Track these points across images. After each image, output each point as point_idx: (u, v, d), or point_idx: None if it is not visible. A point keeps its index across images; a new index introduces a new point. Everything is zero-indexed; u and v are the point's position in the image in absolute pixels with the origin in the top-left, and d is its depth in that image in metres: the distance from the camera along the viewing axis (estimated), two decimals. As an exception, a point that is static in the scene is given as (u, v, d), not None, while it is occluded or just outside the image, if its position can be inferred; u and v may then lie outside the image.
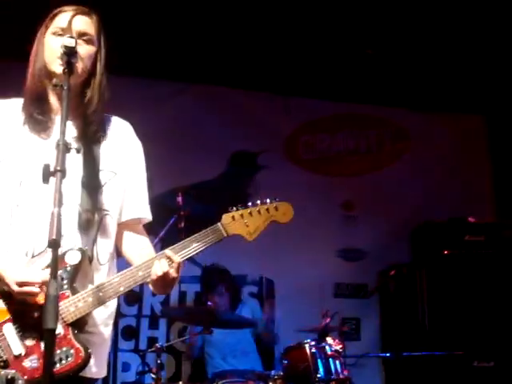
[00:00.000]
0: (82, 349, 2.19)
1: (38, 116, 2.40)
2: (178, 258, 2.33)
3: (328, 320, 4.78)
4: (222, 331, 5.11)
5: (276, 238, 6.32)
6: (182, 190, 4.58)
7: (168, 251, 2.33)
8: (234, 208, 2.45)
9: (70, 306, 2.22)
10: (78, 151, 2.12)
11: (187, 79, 6.40)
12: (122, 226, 2.53)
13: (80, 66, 2.37)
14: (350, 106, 6.97)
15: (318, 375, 4.42)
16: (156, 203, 5.48)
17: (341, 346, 4.68)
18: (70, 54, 2.19)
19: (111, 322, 2.45)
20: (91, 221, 2.35)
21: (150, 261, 2.34)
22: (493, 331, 5.59)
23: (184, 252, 2.37)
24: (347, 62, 6.25)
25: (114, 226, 2.48)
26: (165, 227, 4.84)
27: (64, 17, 2.44)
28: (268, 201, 2.48)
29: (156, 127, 6.07)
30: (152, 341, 5.80)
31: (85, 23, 2.44)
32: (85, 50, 2.41)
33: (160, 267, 2.29)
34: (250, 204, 2.47)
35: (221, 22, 5.62)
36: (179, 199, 4.61)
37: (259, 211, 2.45)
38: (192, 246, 2.38)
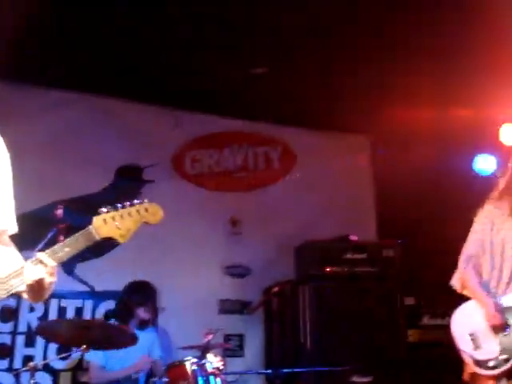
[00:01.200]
0: None
1: None
2: (51, 262, 2.28)
3: (210, 337, 4.75)
4: (118, 354, 4.96)
5: (161, 254, 6.28)
6: (63, 203, 4.43)
7: (40, 255, 2.27)
8: (105, 210, 2.44)
9: None
10: None
11: (74, 89, 6.22)
12: None
13: None
14: (239, 123, 7.01)
15: (199, 393, 4.38)
16: (35, 217, 5.34)
17: (222, 363, 4.67)
18: None
19: None
20: None
21: (20, 269, 2.26)
22: (371, 347, 5.73)
23: (56, 256, 2.33)
24: (237, 79, 6.28)
25: None
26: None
27: None
28: (137, 202, 2.50)
29: (39, 139, 5.92)
30: (28, 359, 5.54)
31: None
32: None
33: (35, 272, 2.24)
34: (119, 205, 2.47)
35: (109, 31, 5.51)
36: (59, 212, 4.45)
37: (130, 213, 2.46)
38: (64, 251, 2.35)
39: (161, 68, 5.99)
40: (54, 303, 5.96)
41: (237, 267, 6.66)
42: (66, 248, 2.34)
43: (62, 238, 4.44)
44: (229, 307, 6.53)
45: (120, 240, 2.43)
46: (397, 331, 5.85)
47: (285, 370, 4.70)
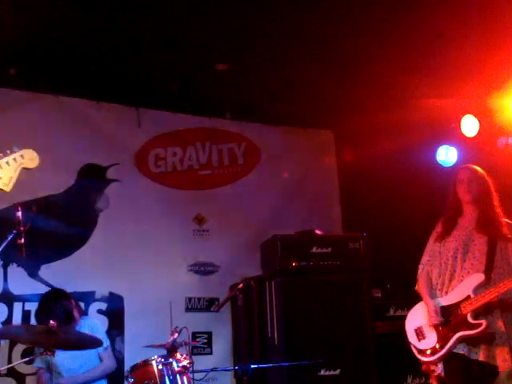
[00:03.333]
0: None
1: None
2: None
3: (176, 335, 4.73)
4: (64, 356, 4.92)
5: (126, 252, 6.25)
6: (24, 204, 4.35)
7: None
8: None
9: None
10: None
11: (33, 88, 6.14)
12: None
13: None
14: (203, 120, 6.98)
15: (166, 392, 4.36)
16: (-3, 219, 5.23)
17: (188, 361, 4.66)
18: None
19: None
20: None
21: None
22: (339, 340, 5.76)
23: None
24: (200, 75, 6.26)
25: None
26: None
27: None
28: (11, 151, 2.70)
29: (-2, 138, 5.80)
30: (-8, 364, 5.48)
31: None
32: None
33: None
34: None
35: (72, 29, 5.44)
36: (19, 214, 4.37)
37: (7, 162, 2.65)
38: None
39: (121, 66, 5.94)
40: (17, 307, 5.88)
41: (203, 265, 6.64)
42: None
43: (21, 240, 4.41)
44: (196, 305, 6.51)
45: (4, 188, 2.62)
46: (364, 323, 5.88)
47: (252, 366, 4.69)
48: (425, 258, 4.74)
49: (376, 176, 6.85)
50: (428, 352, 4.44)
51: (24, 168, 2.65)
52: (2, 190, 2.57)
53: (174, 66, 6.00)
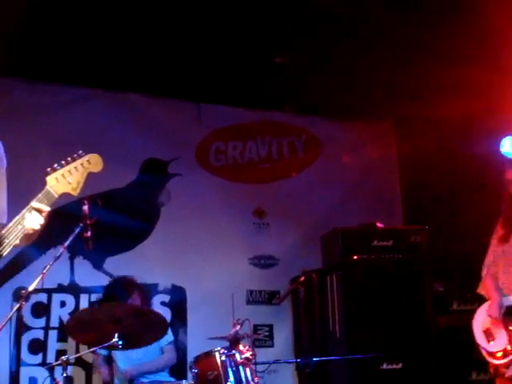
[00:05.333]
0: None
1: None
2: (46, 207, 2.63)
3: (238, 328, 4.76)
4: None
5: (188, 246, 6.33)
6: (88, 198, 4.45)
7: (34, 203, 2.60)
8: (56, 166, 2.72)
9: None
10: None
11: (96, 85, 6.27)
12: None
13: None
14: (263, 113, 7.01)
15: (229, 383, 4.40)
16: (62, 213, 5.40)
17: (251, 353, 4.68)
18: None
19: None
20: None
21: (15, 222, 2.55)
22: (400, 334, 5.71)
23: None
24: (259, 69, 6.28)
25: None
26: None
27: None
28: (78, 155, 2.78)
29: (62, 135, 5.95)
30: (61, 354, 5.60)
31: None
32: None
33: (35, 219, 2.57)
34: (63, 162, 2.75)
35: (132, 26, 5.53)
36: (85, 208, 4.48)
37: (76, 168, 2.74)
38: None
39: (182, 61, 6.00)
40: (84, 298, 6.04)
41: (264, 258, 6.68)
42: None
43: (88, 233, 4.52)
44: (257, 298, 6.56)
45: (73, 193, 2.73)
46: (426, 317, 5.82)
47: (314, 359, 4.69)
48: (489, 259, 4.73)
49: (438, 168, 6.74)
50: (499, 354, 4.37)
51: (90, 172, 2.79)
52: (70, 194, 2.69)
53: (233, 59, 6.04)
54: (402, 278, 5.90)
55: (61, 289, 5.97)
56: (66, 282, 6.01)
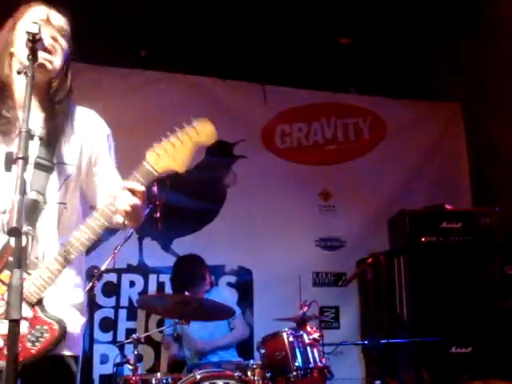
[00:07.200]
0: (54, 322, 2.26)
1: (6, 114, 2.38)
2: (141, 187, 2.29)
3: (305, 309, 4.77)
4: (195, 326, 5.06)
5: (254, 228, 6.36)
6: (157, 180, 4.52)
7: (127, 183, 2.30)
8: (160, 141, 2.36)
9: (30, 287, 2.23)
10: (40, 139, 2.11)
11: (161, 68, 6.35)
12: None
13: (58, 62, 2.41)
14: (327, 95, 6.96)
15: (296, 364, 4.40)
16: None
17: (319, 335, 4.67)
18: (34, 40, 2.17)
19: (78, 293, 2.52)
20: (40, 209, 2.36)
21: (110, 200, 2.32)
22: (469, 317, 5.61)
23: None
24: (323, 51, 6.24)
25: (71, 219, 2.52)
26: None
27: (41, 10, 2.45)
28: (186, 125, 2.35)
29: (130, 117, 6.06)
30: (130, 332, 5.73)
31: (61, 19, 2.48)
32: (64, 46, 2.46)
33: (127, 199, 2.27)
34: (168, 134, 2.35)
35: (196, 10, 5.58)
36: (154, 189, 4.55)
37: (182, 141, 2.32)
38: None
39: (247, 43, 6.01)
40: (152, 278, 6.15)
41: (330, 240, 6.66)
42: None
43: (157, 214, 4.59)
44: (323, 279, 6.55)
45: (178, 170, 2.33)
46: (496, 301, 5.70)
47: (382, 341, 4.67)
48: None
49: (507, 149, 6.57)
50: None
51: (199, 145, 2.32)
52: (175, 170, 2.32)
53: (298, 41, 6.01)
54: (471, 261, 5.78)
55: (130, 269, 6.10)
56: (135, 263, 6.13)
